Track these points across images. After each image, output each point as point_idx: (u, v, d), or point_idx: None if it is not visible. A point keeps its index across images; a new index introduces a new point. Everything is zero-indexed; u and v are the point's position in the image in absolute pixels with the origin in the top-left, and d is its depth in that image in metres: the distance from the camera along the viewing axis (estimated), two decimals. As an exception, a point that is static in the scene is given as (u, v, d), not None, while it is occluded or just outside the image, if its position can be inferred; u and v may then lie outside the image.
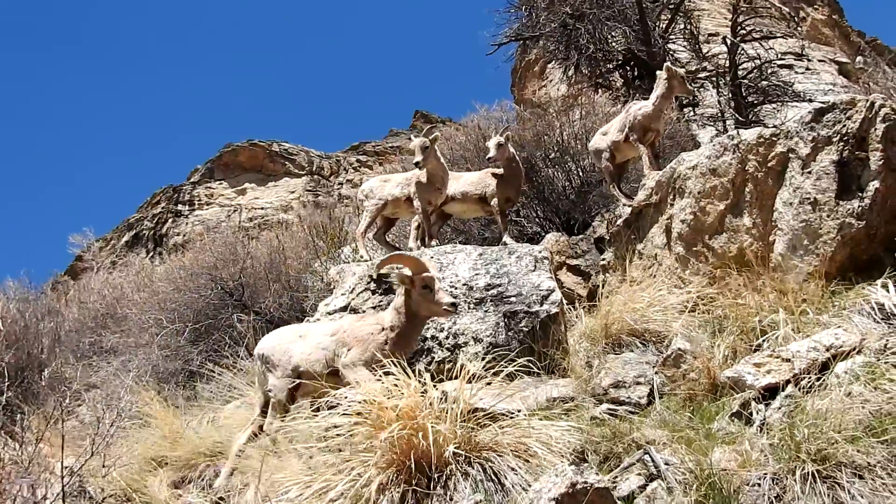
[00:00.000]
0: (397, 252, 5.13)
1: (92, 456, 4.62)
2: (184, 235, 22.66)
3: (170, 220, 24.39)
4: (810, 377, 3.91)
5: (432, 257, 6.11)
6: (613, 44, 13.27)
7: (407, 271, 4.86)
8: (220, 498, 4.99)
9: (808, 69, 15.89)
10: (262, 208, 24.26)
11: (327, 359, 4.97)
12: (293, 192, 24.72)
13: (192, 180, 26.05)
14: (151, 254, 21.81)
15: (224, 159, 26.17)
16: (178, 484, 5.42)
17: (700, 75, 13.30)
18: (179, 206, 24.92)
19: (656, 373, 4.90)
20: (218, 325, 8.48)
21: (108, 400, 6.63)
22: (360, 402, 4.23)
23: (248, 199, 24.94)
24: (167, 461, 5.61)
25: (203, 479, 5.30)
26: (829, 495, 3.19)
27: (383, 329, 4.89)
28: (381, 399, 4.14)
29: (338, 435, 4.24)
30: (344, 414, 4.26)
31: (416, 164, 6.96)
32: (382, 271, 5.63)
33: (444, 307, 4.79)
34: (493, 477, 3.85)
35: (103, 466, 5.00)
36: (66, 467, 4.33)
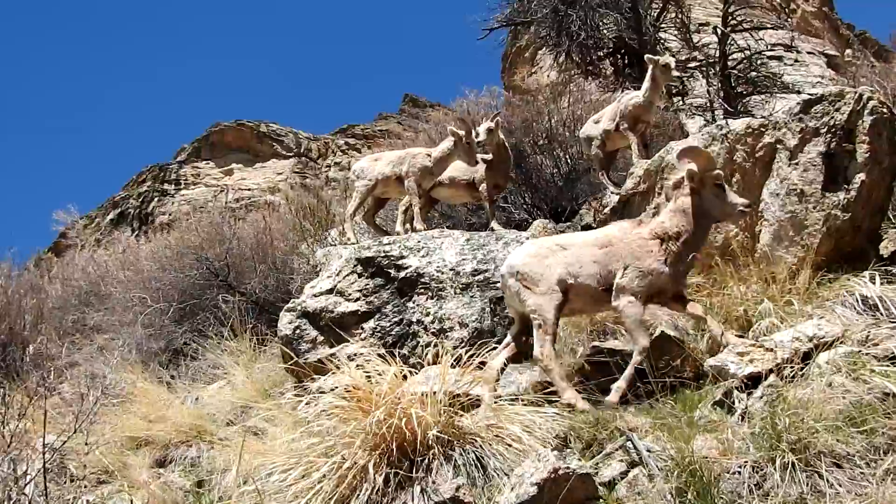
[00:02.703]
0: (691, 146, 4.71)
1: (74, 433, 4.60)
2: (170, 215, 22.50)
3: (156, 199, 24.21)
4: (793, 367, 3.94)
5: (419, 242, 6.10)
6: (605, 31, 13.22)
7: (693, 167, 4.47)
8: (201, 480, 4.99)
9: (797, 61, 15.92)
10: (248, 189, 24.11)
11: (601, 275, 4.53)
12: (280, 174, 24.59)
13: (178, 159, 25.84)
14: (137, 232, 21.62)
15: (211, 139, 25.96)
16: (160, 463, 5.41)
17: (690, 65, 13.29)
18: (165, 185, 24.73)
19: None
20: (203, 306, 8.44)
21: (90, 378, 6.61)
22: (344, 388, 4.23)
23: (234, 179, 24.78)
24: (149, 440, 5.60)
25: (185, 459, 5.29)
26: (808, 484, 3.22)
27: (662, 241, 4.50)
28: (364, 384, 4.14)
29: (323, 416, 4.24)
30: (328, 396, 4.26)
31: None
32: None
33: (740, 208, 4.50)
34: (476, 461, 3.87)
35: (85, 444, 4.98)
36: (48, 445, 4.31)
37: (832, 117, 5.55)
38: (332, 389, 4.30)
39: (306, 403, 4.35)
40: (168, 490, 4.92)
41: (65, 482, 4.97)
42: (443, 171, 7.37)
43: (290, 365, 5.72)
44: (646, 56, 7.55)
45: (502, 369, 4.74)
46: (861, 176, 5.35)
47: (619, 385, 4.39)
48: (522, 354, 4.81)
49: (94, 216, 24.07)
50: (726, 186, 4.54)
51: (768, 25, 14.89)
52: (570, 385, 4.48)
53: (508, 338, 4.83)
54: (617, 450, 3.82)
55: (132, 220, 23.45)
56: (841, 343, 4.08)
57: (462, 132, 7.01)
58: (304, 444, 4.17)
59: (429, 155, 7.23)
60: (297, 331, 5.81)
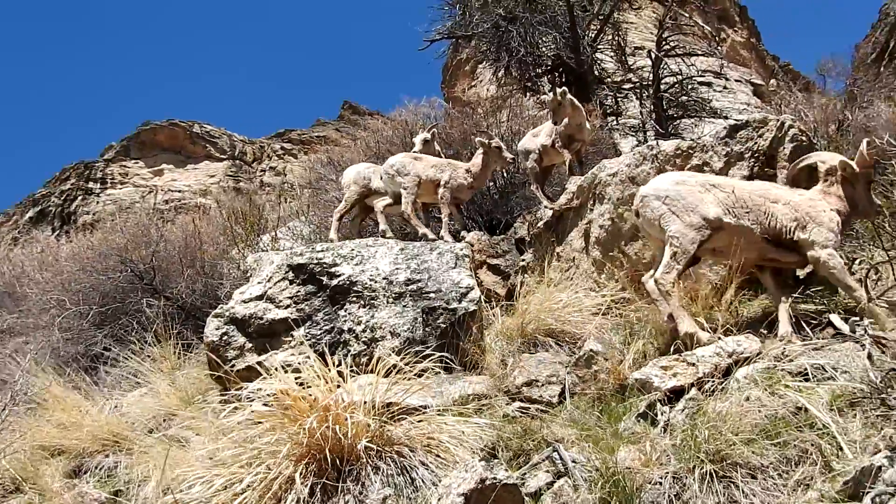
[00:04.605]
0: (870, 139, 5.04)
1: (-20, 441, 4.37)
2: (94, 214, 21.74)
3: (79, 198, 23.36)
4: (713, 381, 4.07)
5: (353, 250, 6.06)
6: (544, 49, 13.48)
7: (845, 159, 4.80)
8: (118, 490, 4.80)
9: (725, 88, 16.59)
10: (179, 191, 23.51)
11: (764, 224, 4.69)
12: (213, 177, 24.07)
13: (105, 157, 25.03)
14: (58, 232, 20.81)
15: (142, 137, 25.26)
16: (75, 473, 5.18)
17: (625, 86, 13.67)
18: (91, 184, 23.90)
19: (568, 373, 4.99)
20: (126, 310, 8.15)
21: (0, 383, 6.30)
22: (272, 394, 4.16)
23: (165, 180, 24.13)
24: (63, 449, 5.36)
25: (100, 469, 5.08)
26: (724, 494, 3.32)
27: (839, 212, 4.73)
28: (295, 390, 4.07)
29: (249, 424, 4.15)
30: (255, 404, 4.18)
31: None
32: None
33: (876, 208, 4.79)
34: (404, 472, 3.85)
35: (-8, 453, 4.74)
36: (-49, 453, 4.08)
37: (755, 143, 5.80)
38: (262, 395, 4.21)
39: (232, 410, 4.25)
40: (82, 501, 4.72)
41: (-31, 493, 4.71)
42: (485, 180, 7.74)
43: (216, 373, 5.58)
44: (542, 99, 7.94)
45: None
46: (781, 199, 5.58)
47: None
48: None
49: (12, 213, 23.07)
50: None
51: (699, 52, 15.47)
52: (688, 314, 4.63)
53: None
54: (544, 460, 3.86)
55: (53, 219, 22.55)
56: (759, 359, 4.24)
57: (486, 140, 7.40)
58: (228, 453, 4.06)
59: (468, 171, 7.44)
60: (225, 337, 5.67)
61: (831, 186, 4.92)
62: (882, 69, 18.79)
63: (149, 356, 6.73)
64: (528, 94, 13.47)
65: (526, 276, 6.96)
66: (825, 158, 5.06)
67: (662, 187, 4.86)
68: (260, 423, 4.13)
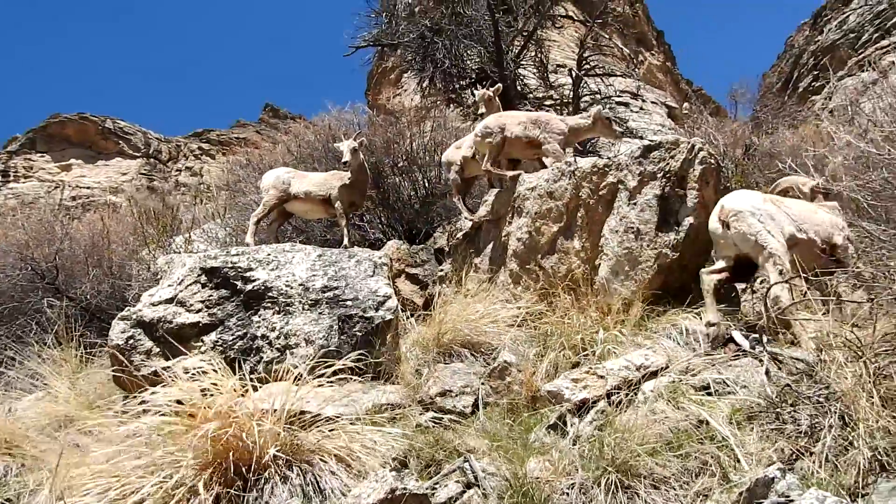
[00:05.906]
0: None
1: None
2: (-7, 208, 20.56)
3: (-23, 191, 22.07)
4: (621, 394, 4.19)
5: (269, 255, 5.94)
6: (468, 62, 13.61)
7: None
8: (8, 499, 4.53)
9: (641, 109, 17.17)
10: (88, 188, 22.53)
11: (822, 235, 5.10)
12: (125, 174, 23.18)
13: (8, 149, 23.76)
14: (-49, 226, 19.58)
15: (49, 130, 24.09)
16: (-41, 482, 4.86)
17: (546, 103, 13.96)
18: (-9, 176, 22.61)
19: (482, 384, 5.03)
20: (24, 309, 7.76)
21: None
22: (176, 400, 4.02)
23: (73, 176, 23.07)
24: (-53, 456, 5.02)
25: (-11, 477, 4.78)
26: (628, 504, 3.42)
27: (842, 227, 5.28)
28: (198, 398, 3.95)
29: (152, 431, 4.00)
30: (159, 413, 4.03)
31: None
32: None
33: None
34: (314, 482, 3.79)
35: None
36: None
37: (668, 163, 6.03)
38: (166, 402, 4.06)
39: (134, 417, 4.08)
40: (-34, 512, 4.43)
41: None
42: (577, 140, 7.43)
43: (121, 377, 5.36)
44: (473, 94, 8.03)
45: (717, 287, 5.05)
46: (690, 219, 5.84)
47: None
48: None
49: None
50: None
51: (618, 73, 15.97)
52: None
53: (723, 263, 5.13)
54: (454, 471, 3.87)
55: (-52, 212, 21.20)
56: (665, 373, 4.39)
57: (599, 109, 7.20)
58: (128, 461, 3.90)
59: (563, 121, 7.19)
60: (131, 341, 5.45)
61: (824, 200, 5.54)
62: (787, 98, 19.89)
63: (49, 358, 6.40)
64: (451, 105, 13.57)
65: (444, 286, 7.00)
66: (803, 181, 5.77)
67: (755, 204, 5.05)
68: (166, 429, 3.99)
